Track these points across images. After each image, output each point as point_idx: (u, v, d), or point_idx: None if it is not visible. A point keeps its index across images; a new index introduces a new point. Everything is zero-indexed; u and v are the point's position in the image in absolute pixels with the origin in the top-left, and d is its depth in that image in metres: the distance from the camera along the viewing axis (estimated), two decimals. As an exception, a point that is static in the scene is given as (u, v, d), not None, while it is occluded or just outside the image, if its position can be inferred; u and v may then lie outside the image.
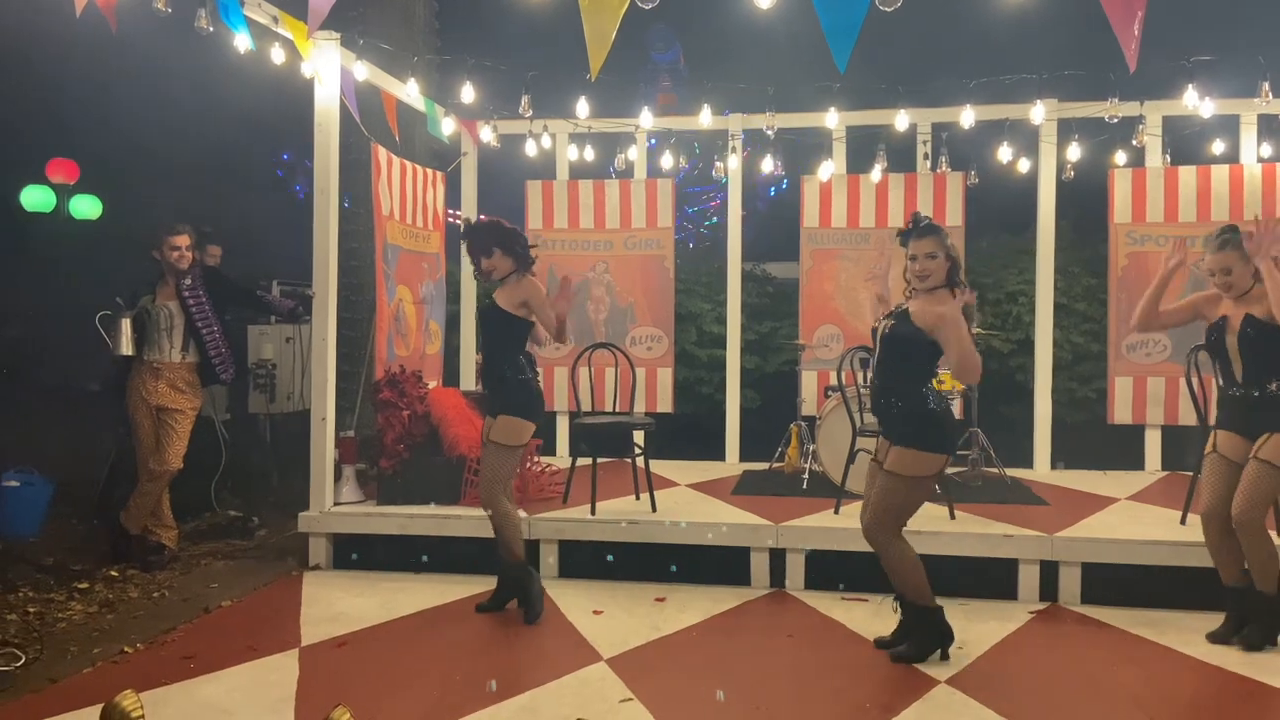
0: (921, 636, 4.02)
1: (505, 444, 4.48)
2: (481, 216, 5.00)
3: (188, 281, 5.48)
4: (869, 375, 6.08)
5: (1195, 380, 5.23)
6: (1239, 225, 4.20)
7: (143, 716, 1.69)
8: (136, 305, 5.42)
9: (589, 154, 7.81)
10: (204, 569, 5.46)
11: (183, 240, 5.43)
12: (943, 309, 3.82)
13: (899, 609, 4.11)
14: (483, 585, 4.92)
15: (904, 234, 4.05)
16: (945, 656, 4.01)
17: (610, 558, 5.23)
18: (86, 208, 10.84)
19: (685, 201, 15.97)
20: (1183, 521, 5.17)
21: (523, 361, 4.56)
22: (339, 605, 4.79)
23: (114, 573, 5.25)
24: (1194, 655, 4.12)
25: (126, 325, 5.33)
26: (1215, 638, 4.25)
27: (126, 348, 5.33)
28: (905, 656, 4.00)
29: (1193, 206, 6.93)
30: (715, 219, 16.19)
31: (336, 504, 5.63)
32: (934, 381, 4.02)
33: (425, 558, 5.36)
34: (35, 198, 10.44)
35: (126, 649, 4.15)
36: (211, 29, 4.64)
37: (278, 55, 5.41)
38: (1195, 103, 6.19)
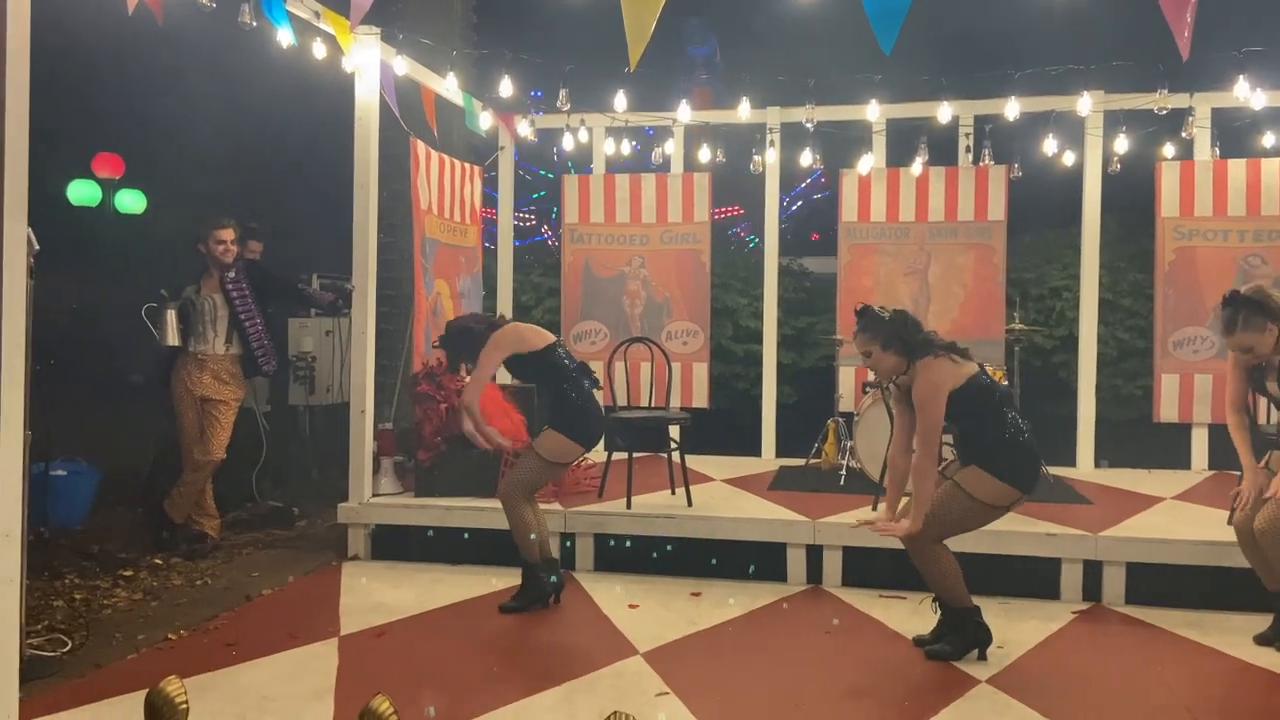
0: (959, 636, 3.97)
1: (545, 457, 4.44)
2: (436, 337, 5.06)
3: (231, 274, 5.55)
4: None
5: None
6: (1239, 291, 4.08)
7: (186, 702, 1.70)
8: (181, 297, 5.50)
9: (626, 148, 7.80)
10: (245, 558, 5.53)
11: (228, 234, 5.50)
12: (919, 382, 3.81)
13: (938, 609, 4.06)
14: (519, 577, 4.92)
15: None
16: (983, 656, 3.95)
17: (655, 552, 5.22)
18: (131, 202, 11.03)
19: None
20: (1230, 521, 5.04)
21: (582, 383, 4.51)
22: (377, 595, 4.83)
23: (158, 561, 5.34)
24: (1240, 657, 4.03)
25: (172, 316, 5.41)
26: (1262, 640, 4.17)
27: (172, 339, 5.41)
28: (941, 654, 3.95)
29: (1242, 200, 6.79)
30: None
31: (375, 495, 5.68)
32: (1011, 417, 3.88)
33: (430, 534, 5.40)
34: (82, 192, 10.63)
35: (170, 636, 4.22)
36: (254, 24, 4.68)
37: (319, 50, 5.45)
38: (1246, 94, 6.04)
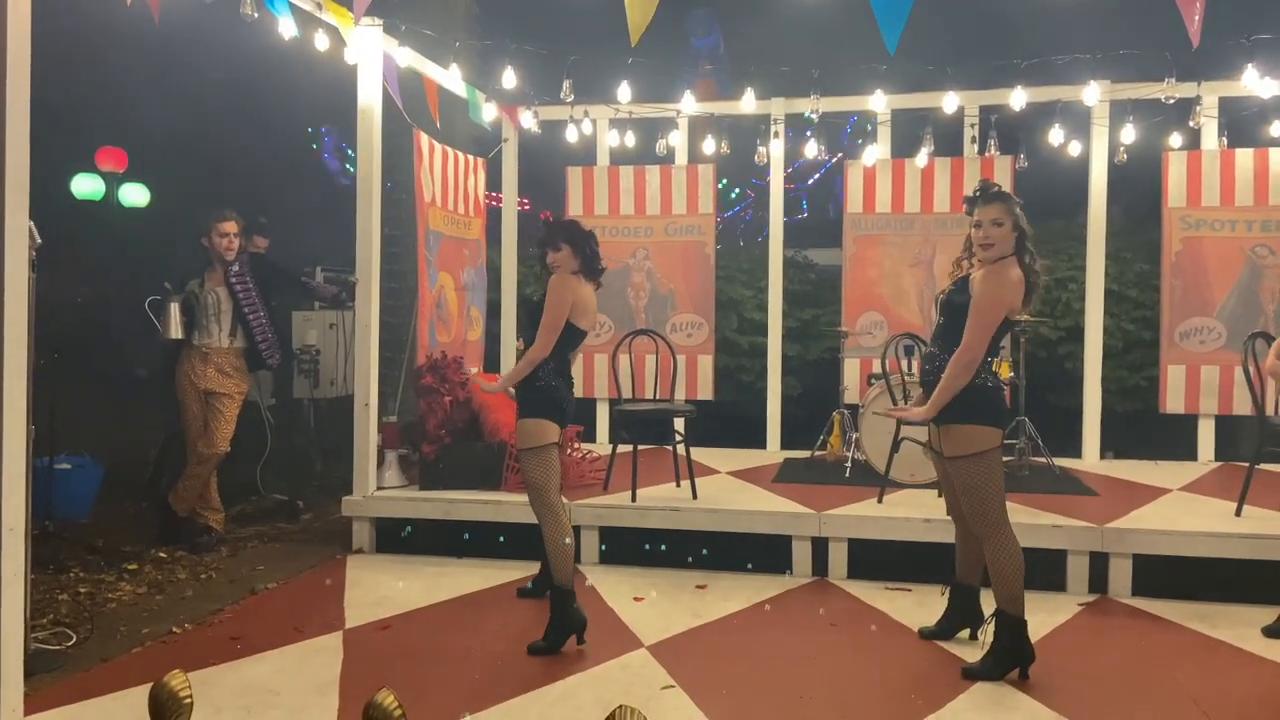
0: (1004, 651, 3.68)
1: (527, 447, 4.08)
2: (569, 217, 4.78)
3: (235, 268, 5.54)
4: (914, 363, 6.03)
5: (1252, 368, 5.09)
6: None
7: (191, 696, 1.69)
8: (185, 291, 5.50)
9: (630, 140, 7.77)
10: (250, 551, 5.53)
11: (229, 226, 5.50)
12: (993, 278, 3.66)
13: (946, 593, 4.04)
14: (524, 570, 4.94)
15: (971, 199, 3.84)
16: (1025, 675, 3.67)
17: (661, 545, 5.21)
18: (135, 196, 10.99)
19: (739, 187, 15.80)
20: (1238, 513, 5.04)
21: (550, 366, 4.12)
22: (382, 588, 4.83)
23: (162, 554, 5.34)
24: (1249, 650, 4.02)
25: (175, 310, 5.40)
26: (1271, 632, 4.15)
27: (176, 331, 5.41)
28: (981, 674, 3.67)
29: (1250, 190, 6.74)
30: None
31: (379, 489, 5.67)
32: (992, 360, 3.85)
33: (467, 538, 5.39)
34: (85, 186, 10.60)
35: (175, 629, 4.22)
36: (256, 15, 4.66)
37: (321, 41, 5.43)
38: (1254, 83, 6.00)
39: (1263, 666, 3.87)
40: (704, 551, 5.16)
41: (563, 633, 3.97)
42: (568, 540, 4.03)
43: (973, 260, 3.86)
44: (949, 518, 4.09)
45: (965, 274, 3.86)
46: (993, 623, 3.77)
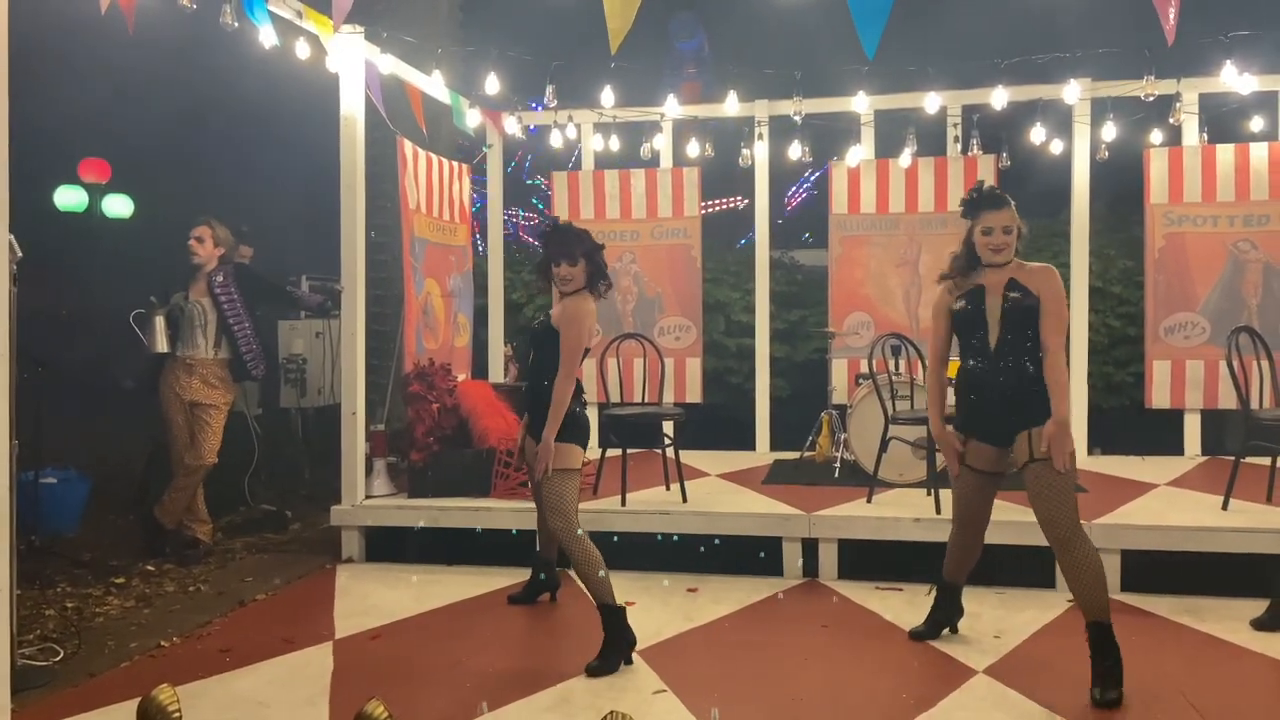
0: (1113, 664, 3.46)
1: (561, 468, 3.96)
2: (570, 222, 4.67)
3: (219, 278, 5.52)
4: (900, 363, 6.05)
5: (1236, 363, 5.12)
6: None
7: (179, 710, 1.69)
8: (169, 302, 5.47)
9: (614, 144, 7.77)
10: (238, 563, 5.50)
11: (197, 232, 5.48)
12: (1053, 279, 3.64)
13: (932, 592, 4.05)
14: (514, 577, 4.93)
15: (974, 204, 3.76)
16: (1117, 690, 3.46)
17: (651, 548, 5.20)
18: (119, 207, 10.95)
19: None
20: (1224, 507, 5.07)
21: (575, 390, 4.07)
22: (372, 598, 4.81)
23: (150, 568, 5.30)
24: (1237, 643, 4.04)
25: (160, 322, 5.38)
26: (1259, 624, 4.18)
27: (161, 345, 5.38)
28: (1109, 698, 3.41)
29: (1231, 185, 6.79)
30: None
31: (368, 497, 5.66)
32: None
33: (457, 550, 5.37)
34: (68, 198, 10.55)
35: (163, 643, 4.19)
36: (236, 24, 4.65)
37: (303, 50, 5.41)
38: (1233, 79, 6.05)
39: (1251, 659, 3.89)
40: (695, 554, 5.16)
41: (619, 651, 3.85)
42: (601, 573, 3.87)
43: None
44: (938, 516, 4.09)
45: (982, 283, 3.74)
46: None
